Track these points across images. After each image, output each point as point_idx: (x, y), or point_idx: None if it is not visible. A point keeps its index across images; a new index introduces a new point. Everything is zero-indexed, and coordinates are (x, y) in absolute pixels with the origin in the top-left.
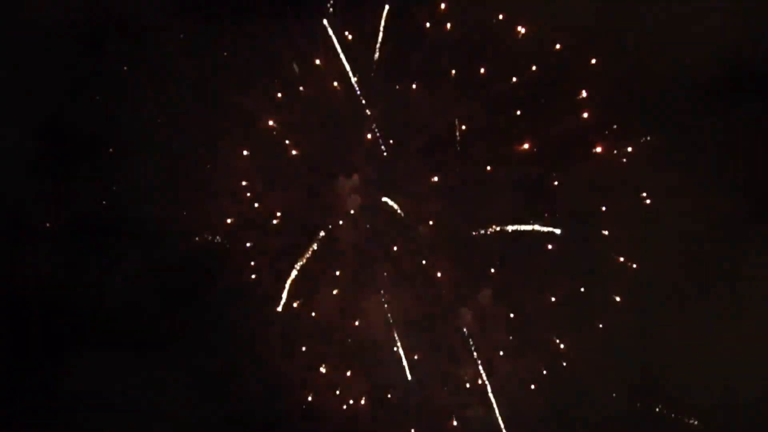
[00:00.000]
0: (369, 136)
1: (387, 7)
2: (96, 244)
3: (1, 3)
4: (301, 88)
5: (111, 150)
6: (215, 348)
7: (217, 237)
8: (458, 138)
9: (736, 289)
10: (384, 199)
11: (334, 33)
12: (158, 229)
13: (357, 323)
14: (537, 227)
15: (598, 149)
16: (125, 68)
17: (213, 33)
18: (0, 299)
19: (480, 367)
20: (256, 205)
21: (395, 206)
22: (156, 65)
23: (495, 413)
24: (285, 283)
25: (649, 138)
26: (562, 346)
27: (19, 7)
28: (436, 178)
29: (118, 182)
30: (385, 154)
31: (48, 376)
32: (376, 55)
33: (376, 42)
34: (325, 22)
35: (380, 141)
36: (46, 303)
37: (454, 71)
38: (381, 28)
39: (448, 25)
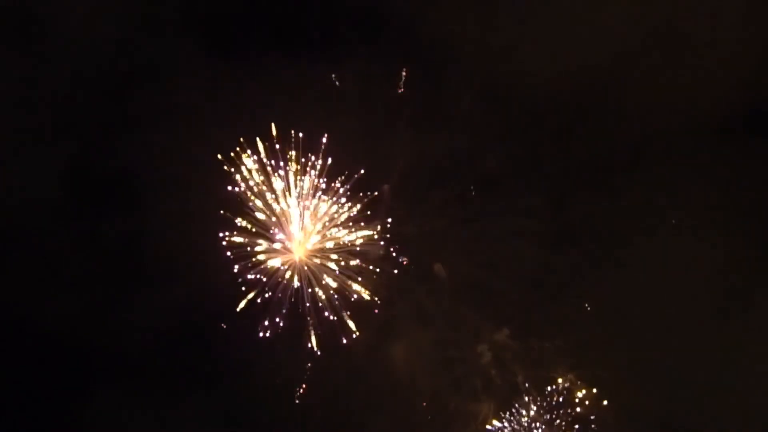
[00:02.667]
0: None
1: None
2: (121, 285)
3: (28, 51)
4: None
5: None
6: (240, 388)
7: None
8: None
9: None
10: (403, 259)
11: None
12: (182, 270)
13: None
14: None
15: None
16: (150, 114)
17: (234, 83)
18: (27, 339)
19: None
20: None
21: (405, 260)
22: (180, 113)
23: None
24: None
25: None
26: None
27: (46, 55)
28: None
29: (142, 224)
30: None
31: (74, 412)
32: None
33: (397, 98)
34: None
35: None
36: (72, 342)
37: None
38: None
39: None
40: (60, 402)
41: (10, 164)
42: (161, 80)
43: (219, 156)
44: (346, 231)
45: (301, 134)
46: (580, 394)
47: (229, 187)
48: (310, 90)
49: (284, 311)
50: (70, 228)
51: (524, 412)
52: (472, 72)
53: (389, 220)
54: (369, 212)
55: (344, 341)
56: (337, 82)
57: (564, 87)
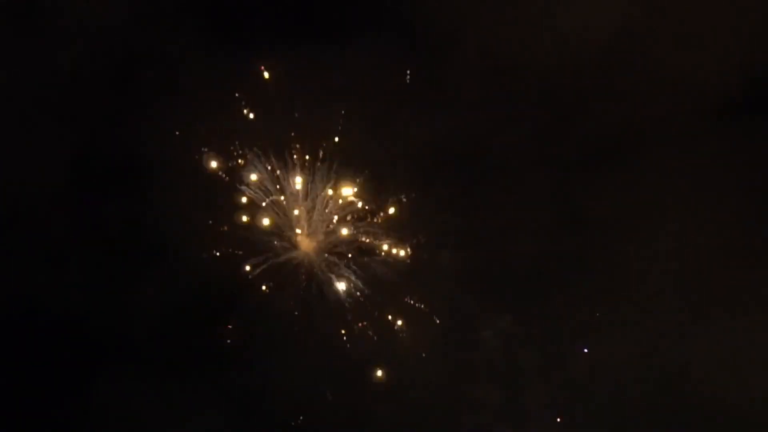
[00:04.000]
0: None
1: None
2: (124, 267)
3: (31, 38)
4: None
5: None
6: (245, 369)
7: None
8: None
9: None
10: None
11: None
12: (185, 252)
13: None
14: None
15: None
16: (153, 99)
17: (242, 67)
18: (30, 322)
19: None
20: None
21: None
22: (184, 96)
23: None
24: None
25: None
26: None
27: (49, 41)
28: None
29: (146, 207)
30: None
31: (78, 397)
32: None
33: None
34: None
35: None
36: (76, 326)
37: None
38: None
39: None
40: (67, 387)
41: (13, 153)
42: (164, 68)
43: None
44: (354, 225)
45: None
46: (584, 379)
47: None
48: (314, 80)
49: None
50: (74, 215)
51: (531, 397)
52: (472, 62)
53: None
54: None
55: (350, 330)
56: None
57: (563, 73)
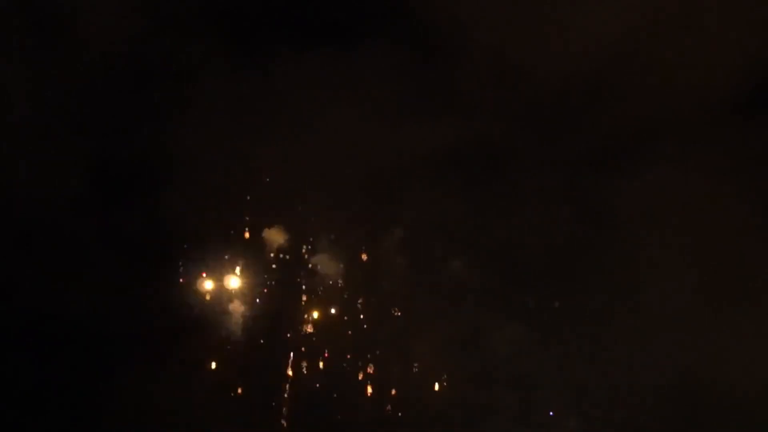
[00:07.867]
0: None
1: None
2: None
3: (50, 45)
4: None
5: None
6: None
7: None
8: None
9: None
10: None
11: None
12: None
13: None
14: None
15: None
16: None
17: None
18: (49, 325)
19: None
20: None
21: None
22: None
23: None
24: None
25: None
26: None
27: (68, 49)
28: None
29: (162, 213)
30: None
31: (95, 396)
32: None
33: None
34: None
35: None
36: (93, 329)
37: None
38: None
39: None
40: (84, 388)
41: (32, 159)
42: (180, 74)
43: None
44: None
45: None
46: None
47: None
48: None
49: None
50: (92, 220)
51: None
52: (482, 58)
53: None
54: None
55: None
56: None
57: (573, 75)
